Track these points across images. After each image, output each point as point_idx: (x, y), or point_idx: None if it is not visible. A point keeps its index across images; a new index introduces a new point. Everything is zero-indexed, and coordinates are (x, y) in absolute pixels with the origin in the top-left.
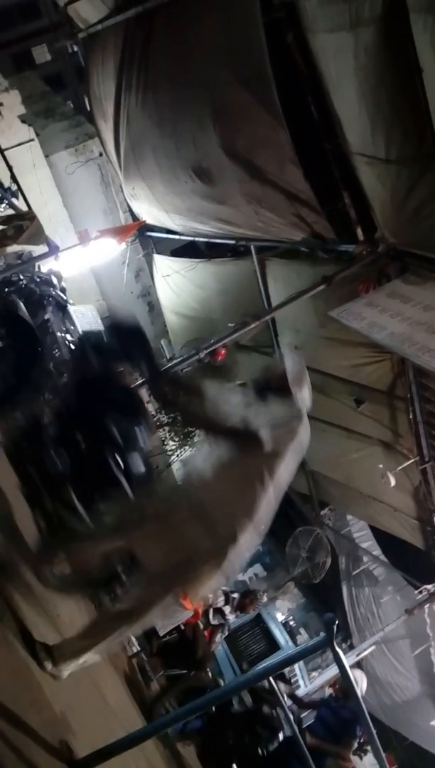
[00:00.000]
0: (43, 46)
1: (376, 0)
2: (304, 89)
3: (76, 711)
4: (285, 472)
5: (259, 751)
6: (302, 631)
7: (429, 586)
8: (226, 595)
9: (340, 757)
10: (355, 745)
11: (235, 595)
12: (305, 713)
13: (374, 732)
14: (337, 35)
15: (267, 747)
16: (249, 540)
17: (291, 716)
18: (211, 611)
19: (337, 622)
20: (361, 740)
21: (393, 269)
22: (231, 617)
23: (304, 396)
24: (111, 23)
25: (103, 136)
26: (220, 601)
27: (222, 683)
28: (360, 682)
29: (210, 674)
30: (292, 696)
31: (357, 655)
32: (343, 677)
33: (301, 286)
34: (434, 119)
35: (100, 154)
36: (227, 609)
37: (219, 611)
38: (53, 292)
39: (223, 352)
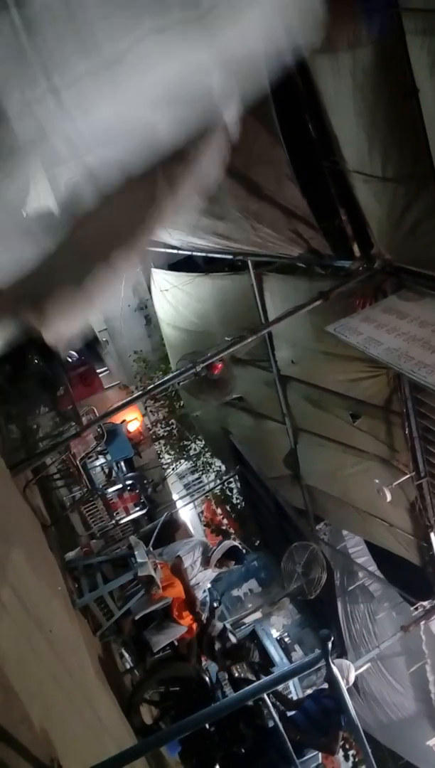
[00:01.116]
0: None
1: (374, 22)
2: (302, 108)
3: (68, 728)
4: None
5: (241, 749)
6: (297, 647)
7: (425, 603)
8: (224, 631)
9: (329, 750)
10: (341, 735)
11: (233, 640)
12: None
13: (359, 725)
14: (335, 55)
15: (249, 744)
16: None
17: (275, 712)
18: (204, 638)
19: (332, 638)
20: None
21: (389, 285)
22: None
23: None
24: None
25: None
26: (217, 630)
27: (207, 678)
28: (347, 673)
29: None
30: (276, 694)
31: None
32: (339, 695)
33: (297, 301)
34: (430, 138)
35: None
36: (217, 645)
37: (211, 642)
38: None
39: (219, 365)
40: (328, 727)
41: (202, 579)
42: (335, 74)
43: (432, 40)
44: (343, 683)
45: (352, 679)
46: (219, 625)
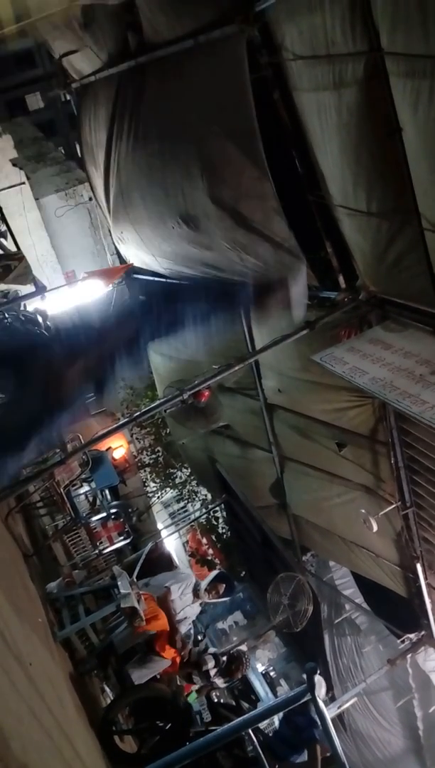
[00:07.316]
0: (37, 94)
1: (359, 63)
2: (289, 143)
3: (47, 766)
4: None
5: None
6: (283, 682)
7: (411, 635)
8: (216, 657)
9: None
10: (319, 749)
11: (224, 659)
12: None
13: (335, 738)
14: (321, 94)
15: None
16: None
17: (254, 738)
18: (195, 672)
19: (318, 671)
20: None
21: (374, 316)
22: (218, 681)
23: None
24: (104, 75)
25: (93, 182)
26: (211, 664)
27: (182, 701)
28: (318, 688)
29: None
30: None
31: (338, 708)
32: (325, 730)
33: (284, 330)
34: (413, 175)
35: (90, 199)
36: (213, 672)
37: (205, 673)
38: (38, 331)
39: (206, 393)
40: (302, 743)
41: (190, 613)
42: (321, 112)
43: (414, 81)
44: (327, 715)
45: (322, 694)
46: (210, 658)
